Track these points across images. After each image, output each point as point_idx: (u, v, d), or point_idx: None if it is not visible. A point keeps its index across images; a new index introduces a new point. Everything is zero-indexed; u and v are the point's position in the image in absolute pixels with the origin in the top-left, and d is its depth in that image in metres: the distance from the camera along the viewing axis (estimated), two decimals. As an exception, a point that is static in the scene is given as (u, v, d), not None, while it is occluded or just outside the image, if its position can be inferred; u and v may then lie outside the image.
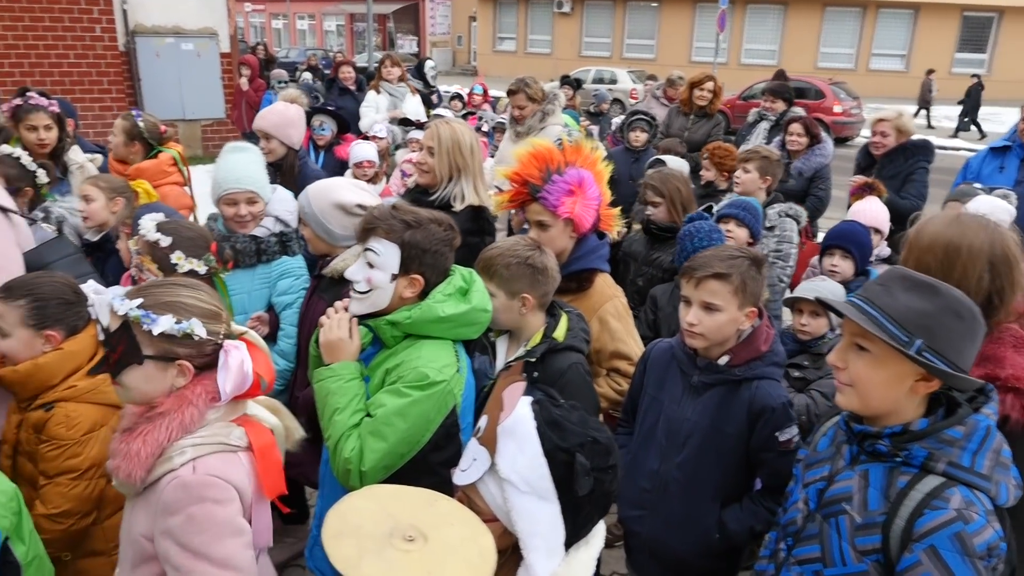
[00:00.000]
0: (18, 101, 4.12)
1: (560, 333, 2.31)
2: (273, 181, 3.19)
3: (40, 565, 1.67)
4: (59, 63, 10.43)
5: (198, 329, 1.63)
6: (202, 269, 2.58)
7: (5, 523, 1.52)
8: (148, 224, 2.52)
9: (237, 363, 1.64)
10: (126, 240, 2.99)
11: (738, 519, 2.26)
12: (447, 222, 2.11)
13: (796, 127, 5.48)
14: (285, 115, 3.97)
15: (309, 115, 5.35)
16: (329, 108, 6.26)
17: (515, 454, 1.37)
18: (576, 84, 10.24)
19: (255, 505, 1.69)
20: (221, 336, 1.67)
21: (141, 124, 4.38)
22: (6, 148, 3.44)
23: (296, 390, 2.94)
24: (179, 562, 1.56)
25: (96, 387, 2.15)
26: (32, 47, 10.28)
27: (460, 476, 1.42)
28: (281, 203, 3.12)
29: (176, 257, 2.55)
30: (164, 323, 1.61)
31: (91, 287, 2.16)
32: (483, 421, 1.45)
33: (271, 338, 3.03)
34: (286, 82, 10.63)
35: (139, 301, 1.63)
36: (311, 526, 2.69)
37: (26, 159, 3.42)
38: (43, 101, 4.11)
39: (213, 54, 11.82)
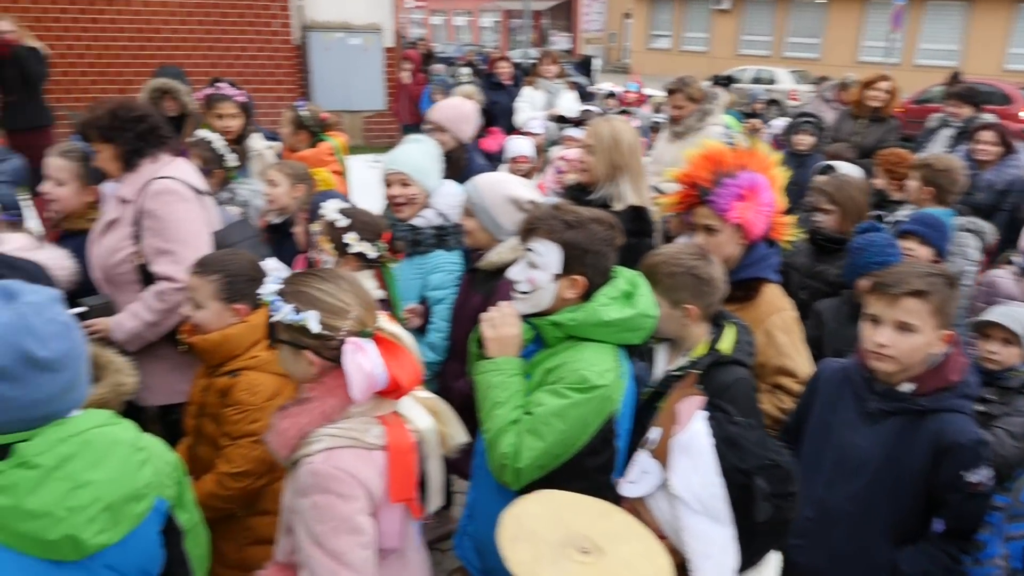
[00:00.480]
0: (210, 90, 4.47)
1: (726, 345, 2.20)
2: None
3: (197, 531, 1.77)
4: (241, 55, 11.27)
5: (312, 323, 1.65)
6: (372, 253, 2.68)
7: (170, 492, 1.62)
8: (331, 206, 2.66)
9: (353, 366, 1.62)
10: (302, 224, 3.16)
11: (914, 562, 2.07)
12: (609, 221, 2.06)
13: (988, 135, 4.98)
14: (460, 109, 4.05)
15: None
16: None
17: (689, 471, 1.31)
18: (726, 82, 9.89)
19: (384, 507, 1.70)
20: (342, 332, 1.67)
21: (303, 114, 4.67)
22: (202, 132, 3.74)
23: (449, 381, 2.98)
24: (302, 543, 1.63)
25: (275, 359, 2.27)
26: (218, 40, 11.17)
27: (629, 488, 1.37)
28: (445, 197, 3.17)
29: (349, 238, 2.67)
30: (283, 312, 1.67)
31: (272, 265, 2.29)
32: (655, 433, 1.40)
33: (422, 330, 3.10)
34: (441, 76, 10.95)
35: (279, 287, 1.71)
36: (458, 515, 2.72)
37: (218, 143, 3.69)
38: (231, 91, 4.43)
39: (377, 49, 12.33)
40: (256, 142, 4.54)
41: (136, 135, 2.76)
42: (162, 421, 3.00)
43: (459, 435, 1.90)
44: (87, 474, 1.40)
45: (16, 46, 6.60)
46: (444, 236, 3.15)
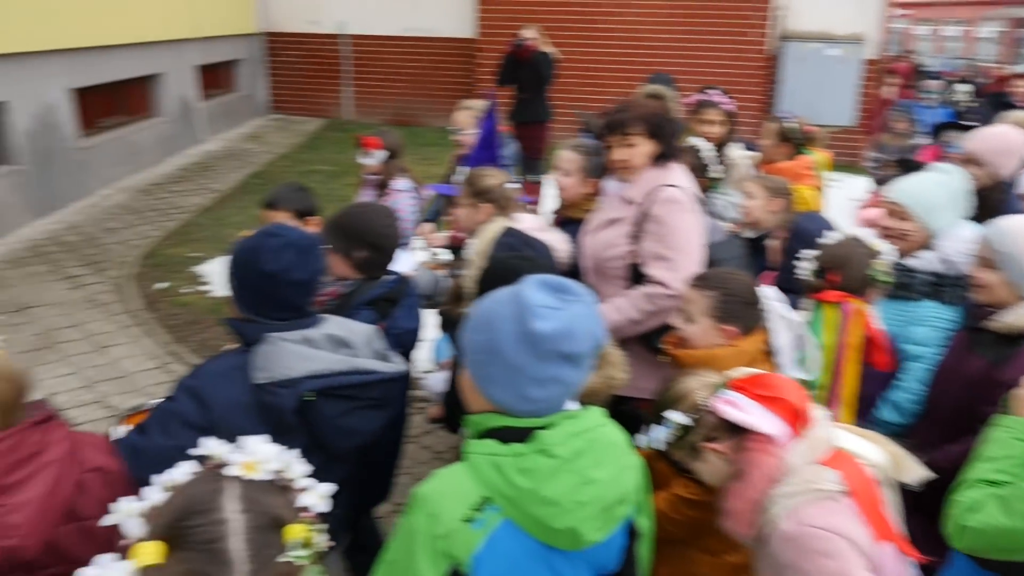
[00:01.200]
0: (700, 96, 4.56)
1: None
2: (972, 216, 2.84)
3: (650, 541, 1.78)
4: (713, 64, 11.44)
5: (680, 419, 1.67)
6: (808, 277, 2.58)
7: (636, 497, 1.64)
8: (832, 236, 2.53)
9: (743, 415, 1.59)
10: (779, 240, 3.04)
11: None
12: None
13: None
14: (1006, 139, 3.47)
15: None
16: (961, 123, 5.46)
17: None
18: None
19: (877, 556, 1.52)
20: (706, 405, 1.66)
21: (789, 126, 4.50)
22: (693, 140, 3.84)
23: (919, 451, 2.61)
24: None
25: None
26: (694, 48, 11.51)
27: None
28: (956, 241, 2.73)
29: (802, 259, 2.64)
30: (659, 436, 1.72)
31: (768, 292, 2.21)
32: None
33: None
34: (928, 93, 9.72)
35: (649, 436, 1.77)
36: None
37: (705, 152, 3.75)
38: (720, 98, 4.45)
39: (856, 60, 11.49)
40: (734, 151, 4.53)
41: (674, 135, 2.91)
42: (613, 409, 3.16)
43: (913, 463, 1.71)
44: (593, 472, 1.44)
45: (535, 51, 7.67)
46: (941, 286, 2.74)
